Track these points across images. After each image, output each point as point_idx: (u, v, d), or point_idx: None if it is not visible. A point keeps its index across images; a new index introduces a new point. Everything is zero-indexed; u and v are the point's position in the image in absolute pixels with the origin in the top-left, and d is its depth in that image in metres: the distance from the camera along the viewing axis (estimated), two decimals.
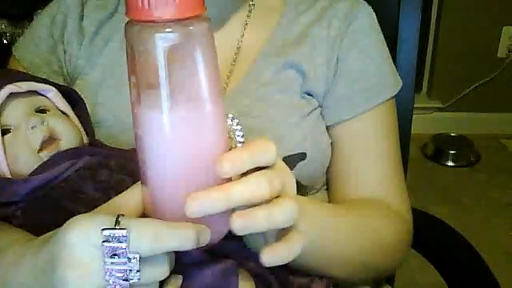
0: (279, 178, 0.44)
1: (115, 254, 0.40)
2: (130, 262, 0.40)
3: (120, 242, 0.40)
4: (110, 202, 0.47)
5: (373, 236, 0.66)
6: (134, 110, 0.39)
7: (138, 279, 0.41)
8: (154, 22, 0.33)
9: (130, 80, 0.39)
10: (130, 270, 0.40)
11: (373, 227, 0.67)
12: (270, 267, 0.54)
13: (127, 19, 0.36)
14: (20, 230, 0.56)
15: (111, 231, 0.40)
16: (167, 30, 0.33)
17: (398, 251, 0.70)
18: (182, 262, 0.46)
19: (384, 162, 0.74)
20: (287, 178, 0.46)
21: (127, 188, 0.47)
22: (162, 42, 0.33)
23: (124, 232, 0.40)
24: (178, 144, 0.39)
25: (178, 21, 0.33)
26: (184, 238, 0.41)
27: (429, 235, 0.87)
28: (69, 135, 0.61)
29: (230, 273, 0.49)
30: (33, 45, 0.76)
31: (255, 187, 0.42)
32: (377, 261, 0.68)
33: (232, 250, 0.52)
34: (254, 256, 0.53)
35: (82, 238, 0.41)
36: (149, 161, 0.41)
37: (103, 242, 0.40)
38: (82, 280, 0.40)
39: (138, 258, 0.40)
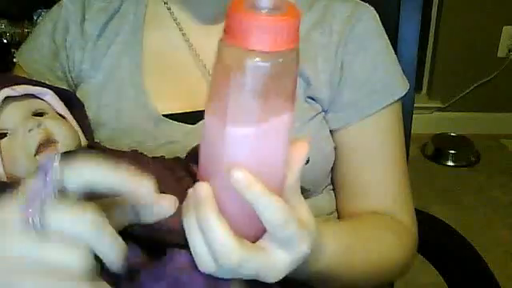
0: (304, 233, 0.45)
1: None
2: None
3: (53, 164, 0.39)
4: None
5: (382, 259, 0.66)
6: (210, 122, 0.43)
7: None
8: (248, 49, 0.39)
9: (212, 94, 0.42)
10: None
11: (383, 251, 0.66)
12: None
13: (223, 38, 0.40)
14: None
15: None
16: (258, 59, 0.39)
17: (404, 265, 0.70)
18: (173, 268, 0.46)
19: (387, 167, 0.73)
20: None
21: None
22: (253, 68, 0.39)
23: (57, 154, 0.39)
24: (254, 156, 0.43)
25: (269, 52, 0.39)
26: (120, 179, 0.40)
27: (429, 235, 0.87)
28: (66, 138, 0.61)
29: (222, 278, 0.48)
30: (35, 51, 0.76)
31: (283, 221, 0.43)
32: (384, 277, 0.68)
33: None
34: None
35: None
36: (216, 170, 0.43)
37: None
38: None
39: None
